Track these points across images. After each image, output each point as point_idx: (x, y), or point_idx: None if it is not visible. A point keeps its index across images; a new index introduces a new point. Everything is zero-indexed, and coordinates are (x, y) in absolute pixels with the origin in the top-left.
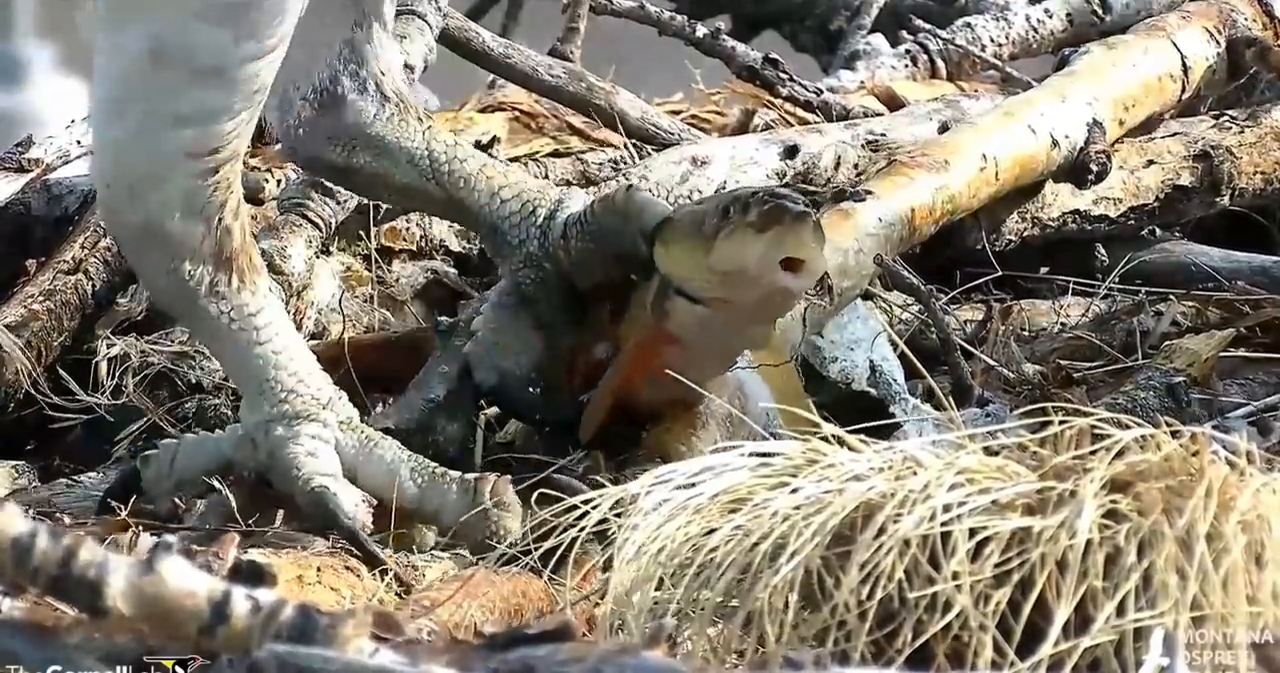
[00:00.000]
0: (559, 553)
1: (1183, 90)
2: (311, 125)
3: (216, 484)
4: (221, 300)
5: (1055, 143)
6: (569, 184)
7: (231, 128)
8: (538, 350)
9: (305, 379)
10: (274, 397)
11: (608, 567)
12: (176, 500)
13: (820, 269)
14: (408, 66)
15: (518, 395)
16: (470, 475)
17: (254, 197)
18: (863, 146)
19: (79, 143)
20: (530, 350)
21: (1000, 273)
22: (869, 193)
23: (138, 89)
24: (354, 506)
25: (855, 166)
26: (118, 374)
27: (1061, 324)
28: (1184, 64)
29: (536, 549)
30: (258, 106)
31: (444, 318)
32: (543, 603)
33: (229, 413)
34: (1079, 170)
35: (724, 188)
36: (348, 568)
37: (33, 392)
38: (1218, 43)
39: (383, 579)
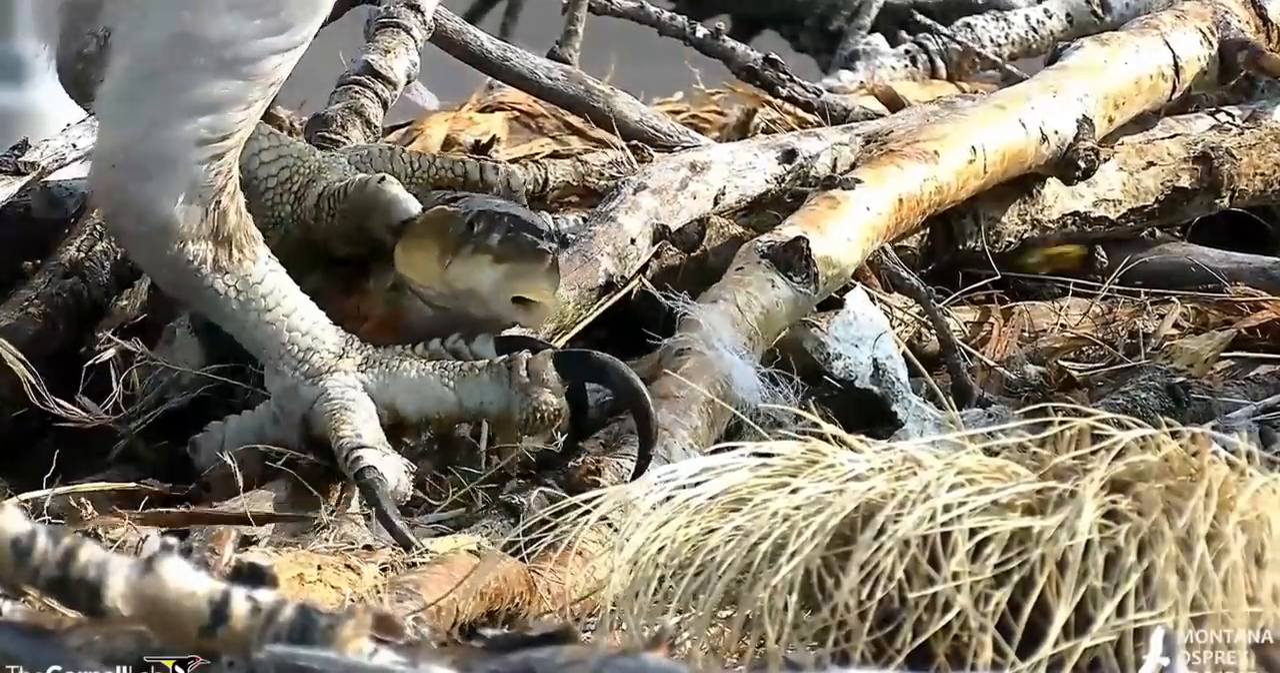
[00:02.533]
0: (560, 551)
1: (1174, 90)
2: (96, 61)
3: (228, 459)
4: (225, 275)
5: (1045, 138)
6: (569, 186)
7: (243, 117)
8: None
9: (319, 336)
10: (293, 359)
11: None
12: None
13: (551, 313)
14: (390, 83)
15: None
16: (499, 358)
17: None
18: (861, 149)
19: (75, 146)
20: None
21: (1000, 275)
22: (858, 181)
23: (160, 74)
24: (397, 479)
25: (852, 166)
26: (123, 381)
27: (1062, 325)
28: (1176, 63)
29: (533, 543)
30: (270, 98)
31: None
32: (524, 588)
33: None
34: (1067, 166)
35: (723, 194)
36: (348, 566)
37: (40, 406)
38: (1210, 44)
39: (384, 576)
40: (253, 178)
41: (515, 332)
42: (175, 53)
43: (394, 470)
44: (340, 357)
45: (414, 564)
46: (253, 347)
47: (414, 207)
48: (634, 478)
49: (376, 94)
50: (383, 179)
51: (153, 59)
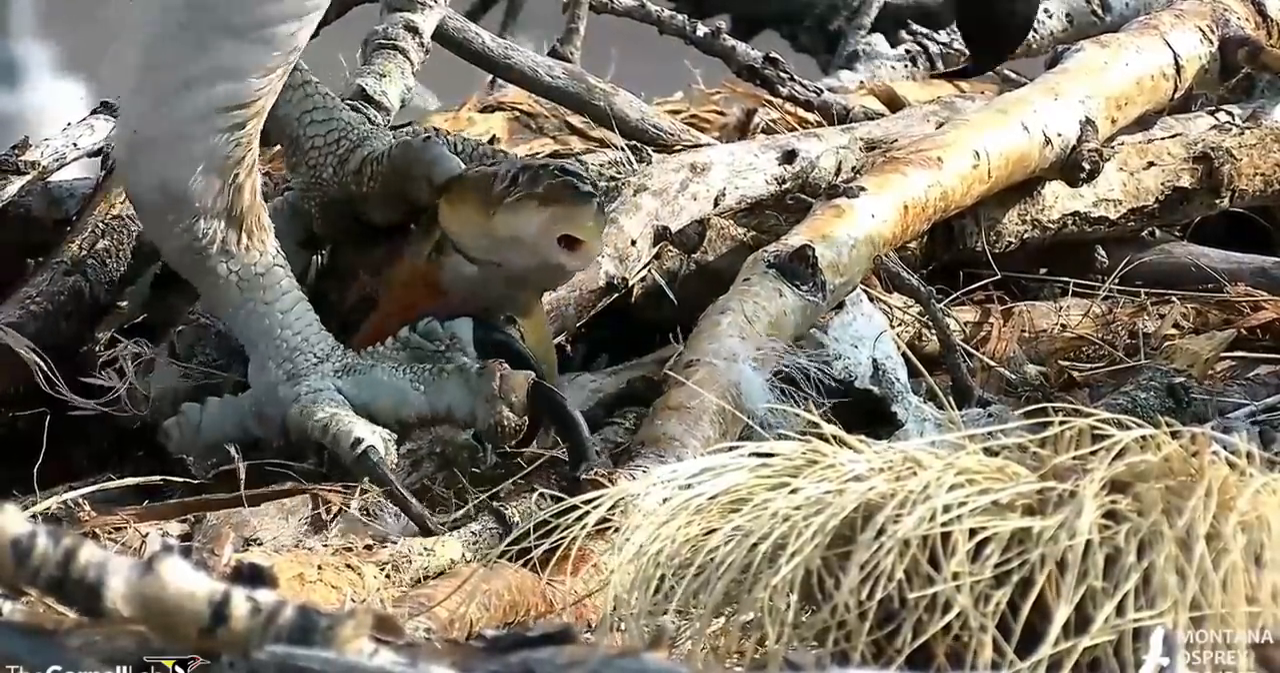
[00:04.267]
0: (559, 552)
1: (1175, 89)
2: None
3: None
4: (230, 260)
5: (1048, 140)
6: None
7: (262, 85)
8: (296, 264)
9: (309, 338)
10: (279, 355)
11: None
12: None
13: (596, 252)
14: (384, 109)
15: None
16: (474, 365)
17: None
18: (861, 150)
19: (75, 146)
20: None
21: (1000, 275)
22: (862, 189)
23: (177, 41)
24: (385, 449)
25: (855, 171)
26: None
27: (1062, 325)
28: (1177, 63)
29: (538, 546)
30: (290, 66)
31: None
32: (537, 599)
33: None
34: (1071, 168)
35: (723, 195)
36: (348, 566)
37: (52, 393)
38: (1210, 42)
39: (384, 578)
40: (300, 136)
41: (496, 326)
42: (192, 17)
43: (381, 441)
44: (322, 362)
45: (424, 579)
46: (243, 335)
47: (457, 165)
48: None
49: (369, 120)
50: (427, 138)
51: (171, 23)
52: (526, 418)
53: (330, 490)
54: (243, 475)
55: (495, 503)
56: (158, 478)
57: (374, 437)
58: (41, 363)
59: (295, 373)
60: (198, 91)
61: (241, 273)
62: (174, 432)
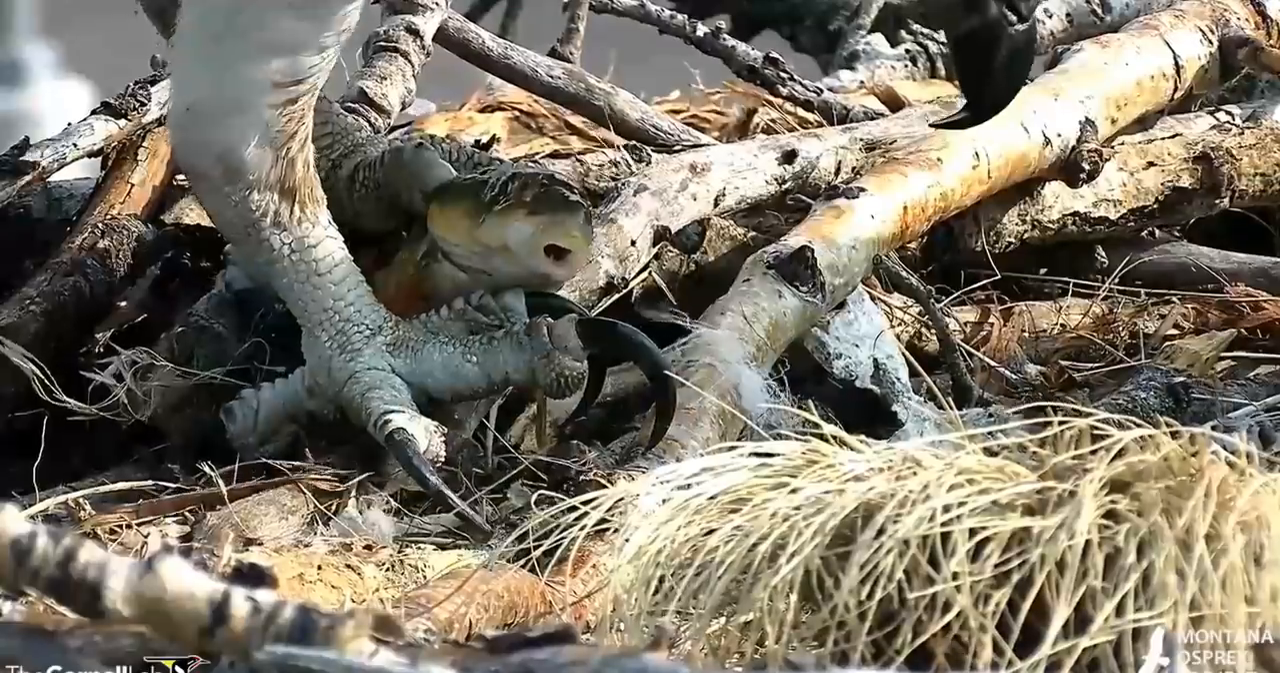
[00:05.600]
0: (558, 552)
1: (1175, 89)
2: None
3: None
4: (283, 232)
5: (1048, 141)
6: None
7: (316, 61)
8: None
9: (361, 309)
10: (331, 327)
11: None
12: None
13: (582, 262)
14: (384, 111)
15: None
16: (519, 326)
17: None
18: (861, 150)
19: (75, 146)
20: None
21: (1000, 275)
22: (862, 190)
23: (236, 14)
24: (428, 440)
25: (854, 171)
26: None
27: (1062, 325)
28: (1176, 63)
29: (537, 547)
30: (341, 44)
31: None
32: (537, 601)
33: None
34: (1071, 169)
35: (723, 195)
36: (348, 566)
37: (50, 401)
38: (1210, 42)
39: (386, 578)
40: None
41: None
42: None
43: (424, 432)
44: (374, 335)
45: (424, 580)
46: (296, 307)
47: (449, 172)
48: (648, 449)
49: (370, 122)
50: (419, 145)
51: (230, 3)
52: (585, 362)
53: (319, 480)
54: (236, 471)
55: (501, 507)
56: (149, 482)
57: (412, 424)
58: (38, 371)
59: (348, 346)
60: (253, 65)
61: (294, 245)
62: (236, 414)
